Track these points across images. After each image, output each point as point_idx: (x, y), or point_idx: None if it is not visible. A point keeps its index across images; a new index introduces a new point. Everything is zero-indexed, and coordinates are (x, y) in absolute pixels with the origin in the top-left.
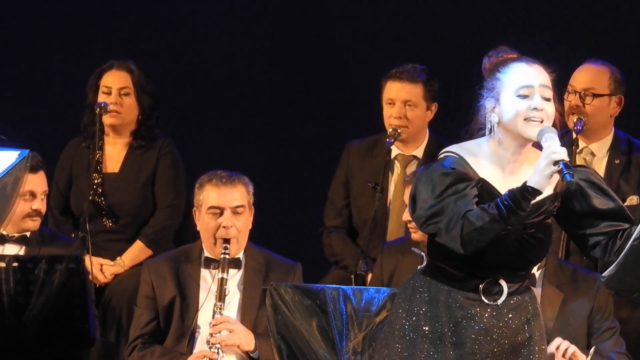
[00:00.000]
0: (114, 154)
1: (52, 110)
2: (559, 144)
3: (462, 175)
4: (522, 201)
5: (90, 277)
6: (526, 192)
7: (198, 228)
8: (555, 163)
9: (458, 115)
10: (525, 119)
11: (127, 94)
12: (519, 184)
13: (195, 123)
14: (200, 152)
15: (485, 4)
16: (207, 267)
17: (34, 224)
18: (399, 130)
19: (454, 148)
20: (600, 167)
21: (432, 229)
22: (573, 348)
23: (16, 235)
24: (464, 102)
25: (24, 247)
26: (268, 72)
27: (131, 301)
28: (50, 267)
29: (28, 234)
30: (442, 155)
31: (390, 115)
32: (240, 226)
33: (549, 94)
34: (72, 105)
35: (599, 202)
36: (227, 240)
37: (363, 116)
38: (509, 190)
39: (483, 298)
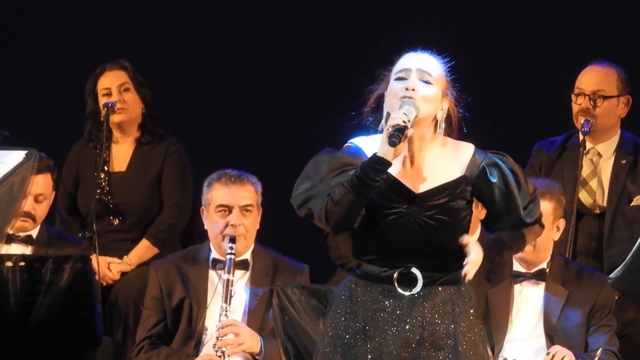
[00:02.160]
0: (120, 153)
1: (58, 111)
2: (410, 113)
3: (348, 162)
4: (371, 171)
5: (97, 276)
6: (374, 162)
7: (206, 227)
8: (392, 127)
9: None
10: (400, 99)
11: (127, 90)
12: (420, 175)
13: (202, 123)
14: (207, 151)
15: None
16: (214, 268)
17: (23, 225)
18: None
19: (357, 139)
20: (606, 167)
21: (306, 210)
22: (570, 357)
23: (22, 235)
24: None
25: (30, 247)
26: (276, 71)
27: (138, 301)
28: (57, 267)
29: (35, 234)
30: (344, 146)
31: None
32: (248, 225)
33: (430, 78)
34: (78, 107)
35: (498, 194)
36: (232, 240)
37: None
38: (361, 162)
39: (398, 289)
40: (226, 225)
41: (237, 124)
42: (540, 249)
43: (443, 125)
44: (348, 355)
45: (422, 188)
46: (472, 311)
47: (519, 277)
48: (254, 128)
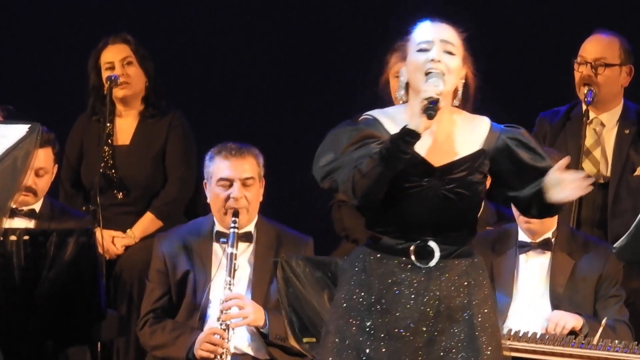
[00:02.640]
0: (124, 126)
1: (61, 85)
2: (440, 85)
3: (369, 134)
4: (402, 143)
5: (101, 250)
6: (405, 134)
7: (208, 200)
8: (426, 99)
9: None
10: (425, 73)
11: (130, 63)
12: (440, 148)
13: (205, 96)
14: (210, 125)
15: None
16: (218, 241)
17: (24, 199)
18: None
19: (373, 111)
20: (610, 137)
21: (330, 182)
22: (570, 325)
23: (25, 209)
24: None
25: (33, 221)
26: (278, 44)
27: (142, 274)
28: (61, 240)
29: (38, 207)
30: (360, 118)
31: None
32: (250, 197)
33: (452, 49)
34: (81, 80)
35: (528, 158)
36: (235, 214)
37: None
38: (391, 134)
39: (414, 261)
40: (228, 199)
41: (241, 95)
42: (545, 220)
43: (460, 95)
44: (362, 327)
45: (441, 161)
46: (485, 283)
47: (525, 247)
48: (257, 100)
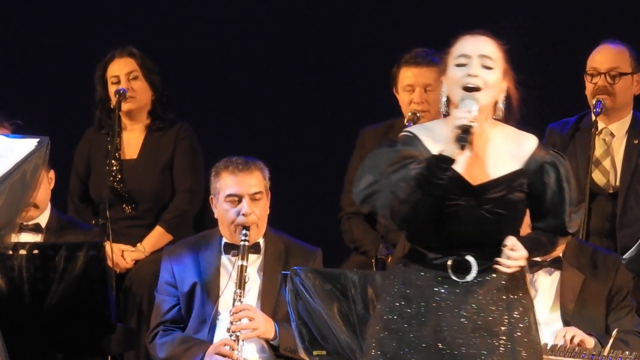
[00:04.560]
0: (131, 140)
1: (68, 98)
2: (474, 110)
3: (407, 154)
4: (437, 170)
5: (110, 263)
6: (441, 161)
7: (216, 216)
8: (459, 128)
9: None
10: (463, 88)
11: (135, 78)
12: (479, 164)
13: (211, 108)
14: (217, 137)
15: None
16: (227, 253)
17: (28, 214)
18: (418, 115)
19: (413, 127)
20: (619, 147)
21: (370, 207)
22: (580, 336)
23: (30, 223)
24: None
25: (40, 235)
26: (284, 57)
27: (152, 287)
28: (71, 254)
29: (44, 222)
30: (400, 135)
31: (411, 101)
32: (259, 212)
33: (491, 63)
34: (89, 94)
35: (551, 195)
36: (246, 227)
37: (378, 101)
38: (426, 159)
39: (452, 275)
40: (237, 215)
41: (247, 107)
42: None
43: (502, 108)
44: (404, 339)
45: (479, 179)
46: (525, 297)
47: (535, 266)
48: (264, 111)
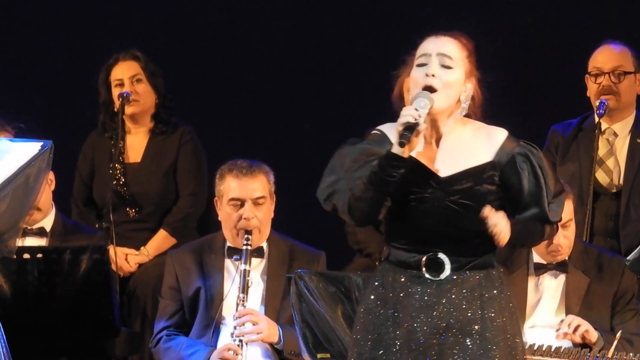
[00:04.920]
0: (135, 143)
1: (72, 102)
2: (421, 109)
3: (373, 152)
4: (387, 168)
5: (114, 267)
6: (390, 159)
7: (220, 218)
8: (402, 126)
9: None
10: (422, 88)
11: (139, 81)
12: (446, 158)
13: (216, 111)
14: (221, 140)
15: None
16: (230, 257)
17: (31, 218)
18: None
19: (384, 125)
20: (622, 146)
21: (331, 206)
22: (585, 326)
23: (34, 227)
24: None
25: (45, 239)
26: (288, 59)
27: (156, 291)
28: (75, 257)
29: (48, 226)
30: (370, 133)
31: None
32: (261, 217)
33: (451, 63)
34: (93, 97)
35: (527, 183)
36: (248, 232)
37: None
38: (379, 157)
39: (425, 274)
40: (239, 219)
41: (251, 110)
42: (569, 249)
43: (466, 106)
44: (378, 342)
45: (447, 172)
46: (502, 295)
47: (541, 269)
48: (267, 113)
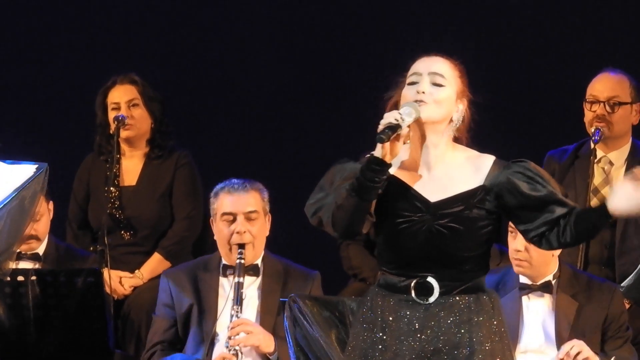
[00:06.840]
0: (130, 167)
1: (66, 125)
2: (409, 114)
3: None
4: (368, 172)
5: (108, 290)
6: (371, 162)
7: (215, 237)
8: (382, 124)
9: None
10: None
11: (136, 105)
12: (437, 183)
13: (211, 133)
14: (217, 161)
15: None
16: (225, 275)
17: (29, 246)
18: None
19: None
20: (618, 175)
21: (317, 219)
22: (587, 353)
23: (29, 252)
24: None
25: (39, 264)
26: (283, 80)
27: (150, 314)
28: (69, 280)
29: (42, 250)
30: (365, 156)
31: None
32: (254, 232)
33: (442, 81)
34: (90, 119)
35: (527, 188)
36: (241, 246)
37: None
38: (361, 163)
39: (414, 297)
40: (232, 233)
41: (247, 132)
42: (538, 265)
43: (457, 126)
44: None
45: (437, 197)
46: (492, 320)
47: (525, 289)
48: (263, 136)
